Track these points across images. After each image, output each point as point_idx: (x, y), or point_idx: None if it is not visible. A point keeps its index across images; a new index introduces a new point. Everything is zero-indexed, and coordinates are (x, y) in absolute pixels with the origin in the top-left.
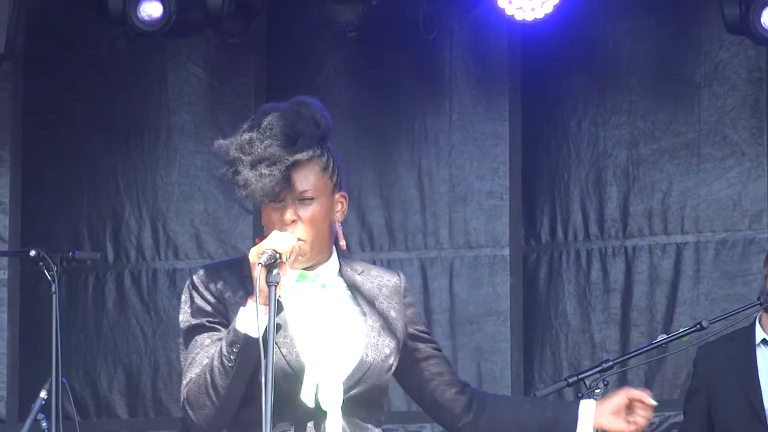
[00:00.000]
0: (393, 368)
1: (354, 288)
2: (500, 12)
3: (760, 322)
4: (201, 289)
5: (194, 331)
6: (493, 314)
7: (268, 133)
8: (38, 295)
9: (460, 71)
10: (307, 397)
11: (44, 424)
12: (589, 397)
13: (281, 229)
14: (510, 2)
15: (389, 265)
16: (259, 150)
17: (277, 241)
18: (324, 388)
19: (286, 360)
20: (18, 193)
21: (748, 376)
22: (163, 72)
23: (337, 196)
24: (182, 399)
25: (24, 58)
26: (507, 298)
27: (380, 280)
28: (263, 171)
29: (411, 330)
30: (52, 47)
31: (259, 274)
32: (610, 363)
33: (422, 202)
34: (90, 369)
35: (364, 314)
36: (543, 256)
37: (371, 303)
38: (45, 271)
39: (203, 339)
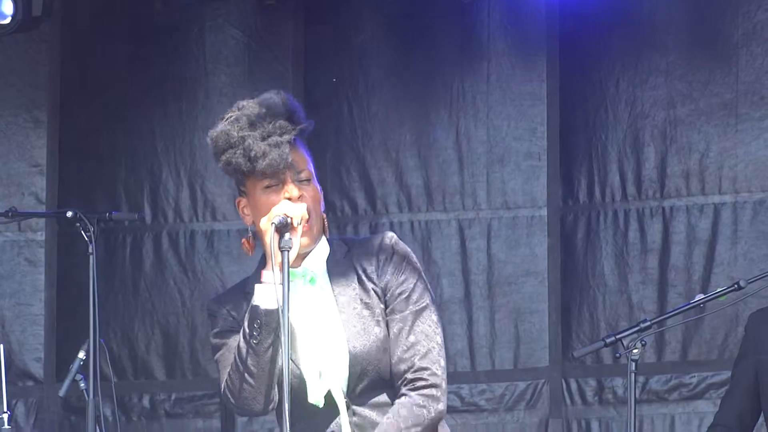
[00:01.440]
0: (385, 343)
1: (340, 276)
2: None
3: None
4: (217, 310)
5: (222, 335)
6: (531, 275)
7: (267, 111)
8: (75, 256)
9: (497, 33)
10: (315, 398)
11: (82, 384)
12: (627, 357)
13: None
14: None
15: (427, 227)
16: (266, 124)
17: (288, 206)
18: (328, 386)
19: (293, 361)
20: (55, 155)
21: None
22: (200, 34)
23: (318, 186)
24: (222, 392)
25: (61, 20)
26: (545, 258)
27: (364, 252)
28: (277, 140)
29: (389, 291)
30: (90, 9)
31: (272, 240)
32: (648, 323)
33: (460, 163)
34: (127, 330)
35: (348, 302)
36: (581, 216)
37: (356, 283)
38: (82, 232)
39: (232, 342)
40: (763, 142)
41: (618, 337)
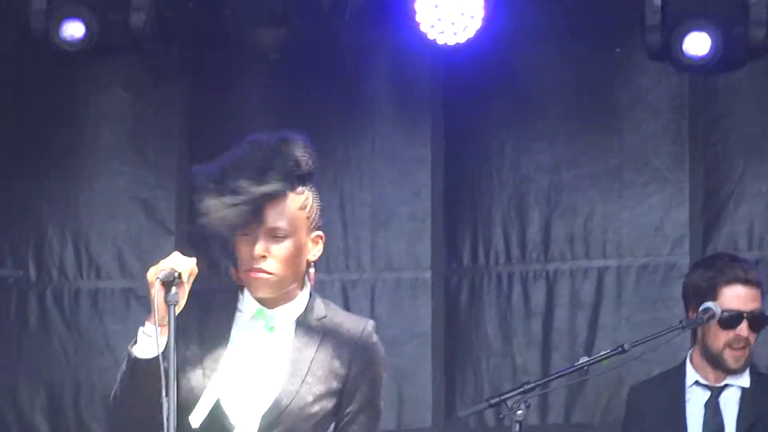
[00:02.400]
0: (317, 419)
1: (307, 336)
2: (422, 36)
3: (691, 361)
4: None
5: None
6: (415, 336)
7: (240, 165)
8: None
9: (382, 95)
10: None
11: None
12: (511, 419)
13: (249, 262)
14: (432, 27)
15: None
16: (228, 181)
17: (177, 260)
18: (239, 424)
19: (204, 387)
20: None
21: (675, 419)
22: (86, 93)
23: (313, 235)
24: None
25: None
26: (429, 320)
27: (342, 330)
28: (227, 201)
29: (347, 387)
30: None
31: (156, 293)
32: (532, 385)
33: (344, 226)
34: (12, 388)
35: (301, 362)
36: (465, 279)
37: (317, 353)
38: None
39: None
40: (647, 207)
41: (502, 398)
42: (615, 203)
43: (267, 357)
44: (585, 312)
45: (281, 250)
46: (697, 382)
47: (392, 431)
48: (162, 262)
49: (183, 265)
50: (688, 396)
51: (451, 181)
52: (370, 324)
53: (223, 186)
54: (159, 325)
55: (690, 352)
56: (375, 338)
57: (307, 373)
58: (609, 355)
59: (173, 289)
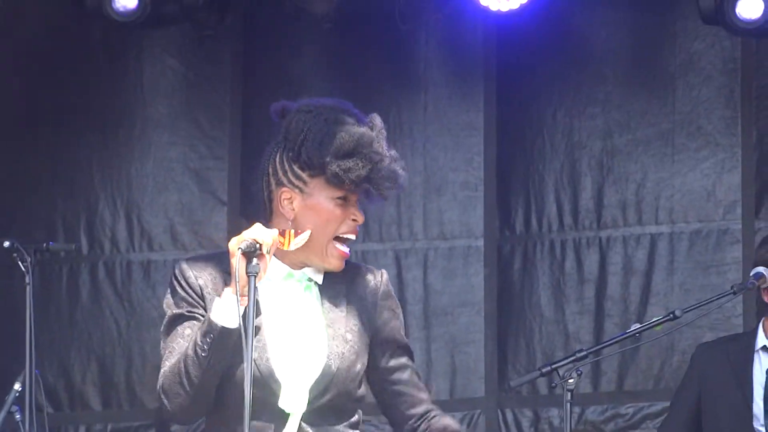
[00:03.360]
0: (360, 375)
1: (334, 291)
2: (475, 3)
3: (763, 327)
4: (183, 280)
5: (176, 320)
6: (467, 305)
7: (380, 137)
8: (11, 287)
9: (435, 63)
10: (274, 403)
11: (18, 416)
12: (563, 387)
13: (346, 224)
14: None
15: (363, 257)
16: (387, 151)
17: (259, 232)
18: (290, 394)
19: (256, 364)
20: None
21: (742, 380)
22: (138, 64)
23: None
24: (158, 387)
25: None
26: (481, 288)
27: (362, 281)
28: (396, 168)
29: (383, 335)
30: (29, 40)
31: (238, 263)
32: (584, 353)
33: (397, 194)
34: (63, 361)
35: (337, 320)
36: (517, 246)
37: (347, 307)
38: (19, 263)
39: (183, 328)
40: (699, 172)
41: (554, 366)
42: (667, 169)
43: (304, 320)
44: (637, 278)
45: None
46: (764, 347)
47: (445, 400)
48: (244, 232)
49: (264, 236)
50: (754, 360)
51: (504, 148)
52: (385, 273)
53: (389, 154)
54: (242, 296)
55: (763, 319)
56: (388, 283)
57: (346, 331)
58: (661, 321)
59: (254, 260)
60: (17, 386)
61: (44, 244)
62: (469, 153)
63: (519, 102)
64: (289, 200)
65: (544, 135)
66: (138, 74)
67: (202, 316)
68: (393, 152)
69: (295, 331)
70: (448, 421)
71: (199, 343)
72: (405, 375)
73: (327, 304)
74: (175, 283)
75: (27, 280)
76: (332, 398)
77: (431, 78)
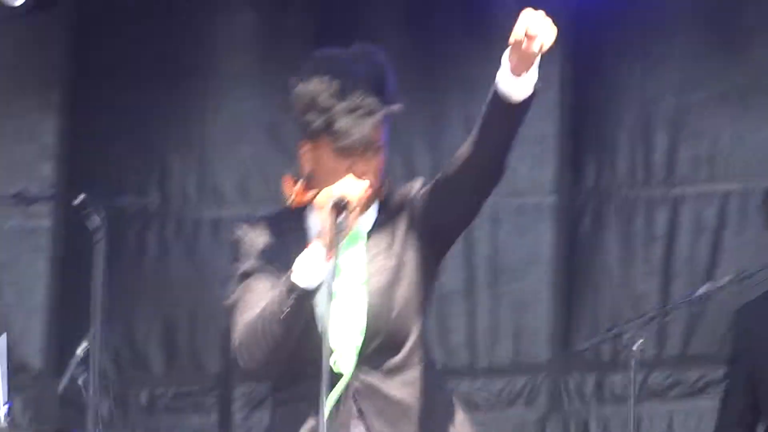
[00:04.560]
0: (408, 307)
1: (375, 228)
2: None
3: None
4: (246, 239)
5: (244, 276)
6: (536, 263)
7: (360, 83)
8: (81, 243)
9: (509, 15)
10: (329, 360)
11: (82, 378)
12: (628, 351)
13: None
14: None
15: None
16: (355, 98)
17: (348, 187)
18: (340, 355)
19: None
20: (65, 139)
21: None
22: (213, 16)
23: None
24: (235, 343)
25: (75, 2)
26: (550, 246)
27: (396, 204)
28: (362, 120)
29: (423, 206)
30: None
31: (326, 219)
32: (651, 315)
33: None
34: (128, 319)
35: (379, 255)
36: (588, 203)
37: (388, 237)
38: (89, 219)
39: (255, 283)
40: None
41: (620, 330)
42: (741, 125)
43: (349, 268)
44: (708, 237)
45: (377, 164)
46: None
47: (508, 364)
48: (332, 187)
49: (353, 191)
50: None
51: (577, 104)
52: (417, 180)
53: (353, 104)
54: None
55: None
56: (420, 183)
57: (388, 279)
58: (731, 281)
59: (341, 216)
60: (81, 348)
61: (115, 199)
62: (541, 109)
63: (593, 57)
64: (305, 152)
65: (617, 91)
66: (212, 26)
67: (269, 272)
68: (363, 102)
69: (350, 286)
70: None
71: (280, 301)
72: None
73: (373, 250)
74: (237, 244)
75: (98, 236)
76: (384, 340)
77: (505, 32)
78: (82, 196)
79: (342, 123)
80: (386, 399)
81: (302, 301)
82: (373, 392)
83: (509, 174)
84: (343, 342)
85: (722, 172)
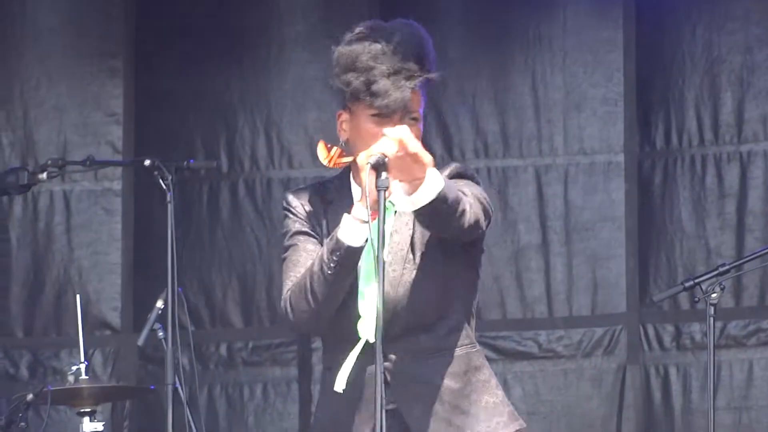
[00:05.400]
0: (429, 289)
1: (402, 213)
2: None
3: None
4: (294, 205)
5: (295, 235)
6: (608, 220)
7: (400, 48)
8: (152, 205)
9: None
10: (361, 330)
11: (161, 333)
12: (706, 302)
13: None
14: None
15: (504, 173)
16: (395, 62)
17: (387, 145)
18: (367, 322)
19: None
20: (131, 104)
21: None
22: None
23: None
24: (283, 299)
25: None
26: (622, 204)
27: None
28: (401, 83)
29: None
30: None
31: (367, 177)
32: (727, 267)
33: (536, 109)
34: (204, 279)
35: (400, 242)
36: (658, 161)
37: (412, 225)
38: (160, 181)
39: (304, 243)
40: None
41: (697, 281)
42: None
43: (389, 244)
44: None
45: (415, 132)
46: None
47: (586, 316)
48: (373, 146)
49: (393, 150)
50: None
51: (644, 64)
52: (450, 165)
53: (392, 67)
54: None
55: None
56: (454, 166)
57: (407, 254)
58: None
59: (383, 174)
60: (159, 304)
61: (185, 162)
62: (608, 69)
63: (658, 17)
64: (342, 121)
65: (684, 50)
66: None
67: (317, 235)
68: (403, 66)
69: (368, 257)
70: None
71: (326, 260)
72: None
73: (395, 224)
74: (286, 211)
75: (168, 198)
76: (406, 322)
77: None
78: (149, 160)
79: (381, 84)
80: (415, 380)
81: (346, 259)
82: (402, 372)
83: (578, 134)
84: (371, 312)
85: None
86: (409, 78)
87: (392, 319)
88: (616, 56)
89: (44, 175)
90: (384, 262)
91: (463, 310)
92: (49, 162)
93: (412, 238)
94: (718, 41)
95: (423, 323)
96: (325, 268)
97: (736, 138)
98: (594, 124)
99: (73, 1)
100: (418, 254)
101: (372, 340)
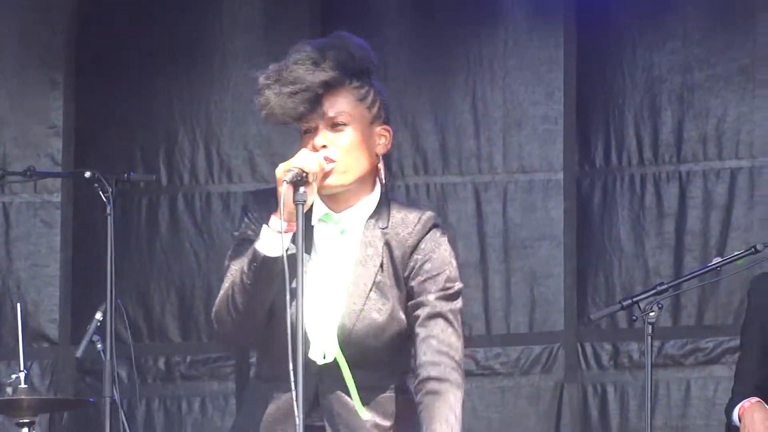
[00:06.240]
0: (391, 329)
1: (369, 244)
2: None
3: None
4: (249, 210)
5: (238, 246)
6: (547, 238)
7: (295, 59)
8: (91, 218)
9: None
10: (304, 351)
11: (99, 345)
12: (644, 321)
13: (307, 152)
14: None
15: (443, 190)
16: (284, 74)
17: (305, 159)
18: (317, 346)
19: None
20: (71, 117)
21: None
22: None
23: (378, 128)
24: (213, 311)
25: None
26: (561, 222)
27: (400, 230)
28: (285, 90)
29: (413, 279)
30: None
31: (284, 192)
32: (665, 286)
33: (476, 127)
34: (143, 292)
35: (364, 275)
36: (597, 180)
37: (378, 263)
38: (100, 193)
39: (243, 253)
40: None
41: (635, 300)
42: (748, 104)
43: (337, 268)
44: (718, 213)
45: (341, 138)
46: None
47: (524, 334)
48: (291, 160)
49: (311, 163)
50: None
51: (584, 83)
52: (426, 214)
53: (282, 78)
54: (287, 222)
55: None
56: (431, 224)
57: (370, 289)
58: (742, 255)
59: (301, 189)
60: (98, 316)
61: (125, 175)
62: (549, 87)
63: (599, 37)
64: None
65: (624, 69)
66: (218, 8)
67: None
68: (292, 78)
69: (327, 279)
70: (437, 413)
71: (246, 271)
72: (417, 319)
73: (360, 257)
74: (244, 213)
75: (108, 210)
76: (354, 354)
77: (511, 13)
78: (89, 172)
79: (263, 96)
80: (347, 407)
81: (263, 269)
82: (337, 400)
83: (518, 152)
84: (319, 337)
85: (730, 150)
86: (294, 85)
87: (345, 347)
88: (557, 75)
89: None
90: (304, 291)
91: (407, 360)
92: None
93: (376, 274)
94: (659, 61)
95: (368, 360)
96: (245, 278)
97: (676, 158)
98: (534, 142)
99: (16, 12)
100: (380, 295)
101: (320, 361)
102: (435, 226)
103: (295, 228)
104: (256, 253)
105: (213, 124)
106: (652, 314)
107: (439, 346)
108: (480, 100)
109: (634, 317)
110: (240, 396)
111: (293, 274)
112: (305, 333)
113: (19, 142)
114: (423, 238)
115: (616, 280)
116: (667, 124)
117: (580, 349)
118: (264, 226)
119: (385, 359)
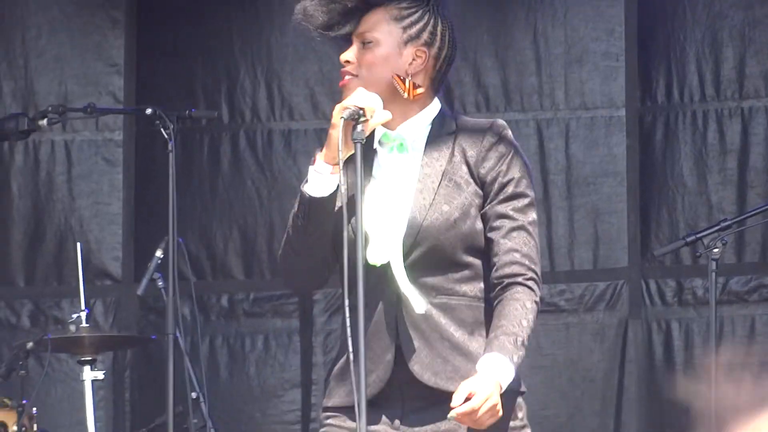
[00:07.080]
0: (461, 227)
1: (433, 149)
2: None
3: None
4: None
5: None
6: (610, 175)
7: None
8: (153, 155)
9: None
10: (373, 259)
11: (160, 283)
12: (708, 257)
13: (341, 71)
14: None
15: None
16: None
17: (362, 97)
18: (377, 248)
19: (351, 226)
20: (132, 55)
21: None
22: None
23: (412, 48)
24: (278, 257)
25: None
26: (623, 159)
27: (469, 134)
28: (321, 5)
29: (488, 180)
30: None
31: (341, 130)
32: (728, 222)
33: (538, 64)
34: (206, 229)
35: (432, 174)
36: (659, 117)
37: (448, 160)
38: (161, 130)
39: None
40: None
41: (698, 236)
42: None
43: (401, 179)
44: None
45: (367, 55)
46: None
47: (588, 270)
48: (347, 99)
49: (368, 101)
50: None
51: (645, 19)
52: (499, 121)
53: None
54: (333, 164)
55: None
56: (504, 130)
57: (439, 184)
58: None
59: (359, 127)
60: (159, 253)
61: (186, 111)
62: (610, 23)
63: None
64: None
65: (685, 5)
66: None
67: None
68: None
69: (390, 193)
70: (512, 307)
71: (297, 213)
72: (499, 231)
73: (425, 160)
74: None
75: (170, 147)
76: (426, 252)
77: None
78: (151, 108)
79: (301, 4)
80: (423, 316)
81: (312, 210)
82: (409, 307)
83: (580, 88)
84: (381, 238)
85: None
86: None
87: (412, 246)
88: (618, 11)
89: (44, 122)
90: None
91: (479, 264)
92: (50, 108)
93: (444, 171)
94: None
95: (442, 258)
96: (297, 220)
97: (738, 94)
98: (595, 78)
99: None
100: (451, 189)
101: (378, 263)
102: (506, 132)
103: (338, 170)
104: (303, 195)
105: (274, 61)
106: (715, 250)
107: (522, 259)
108: (541, 36)
109: (697, 253)
110: (304, 333)
111: (351, 211)
112: (366, 235)
113: (80, 81)
114: (496, 142)
115: (680, 216)
116: (728, 60)
117: (644, 285)
118: (310, 167)
119: (459, 260)
